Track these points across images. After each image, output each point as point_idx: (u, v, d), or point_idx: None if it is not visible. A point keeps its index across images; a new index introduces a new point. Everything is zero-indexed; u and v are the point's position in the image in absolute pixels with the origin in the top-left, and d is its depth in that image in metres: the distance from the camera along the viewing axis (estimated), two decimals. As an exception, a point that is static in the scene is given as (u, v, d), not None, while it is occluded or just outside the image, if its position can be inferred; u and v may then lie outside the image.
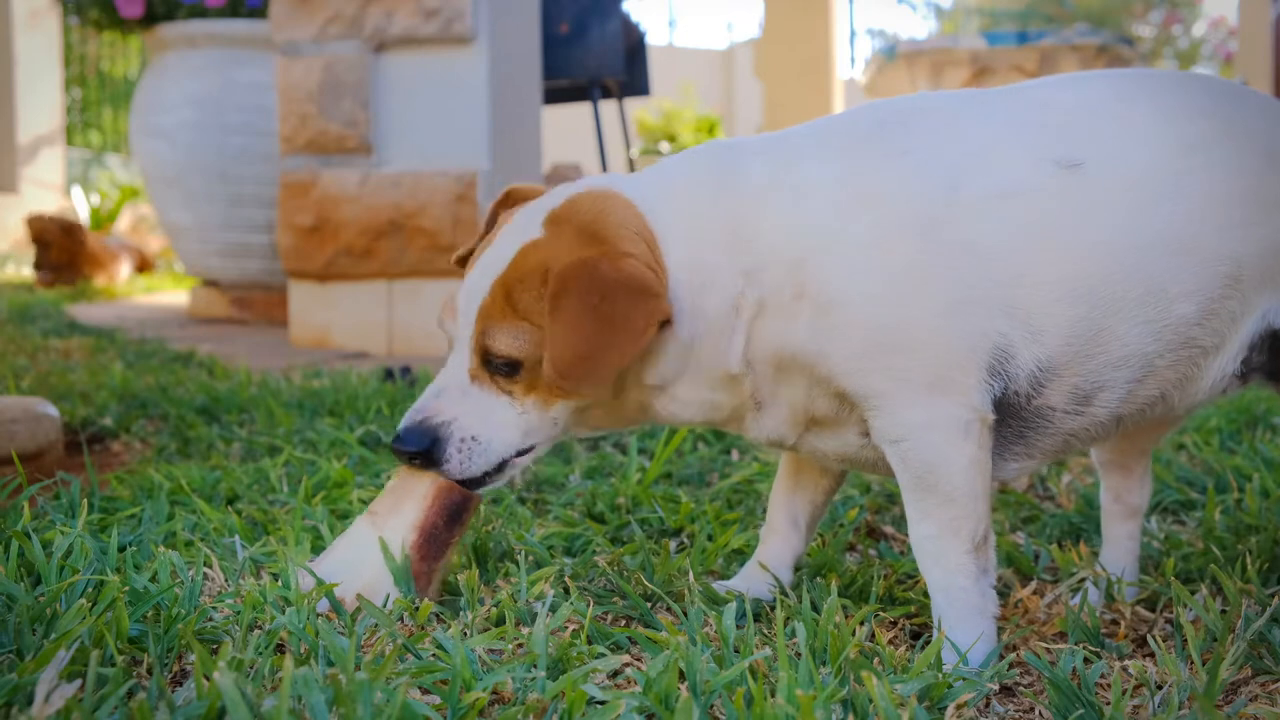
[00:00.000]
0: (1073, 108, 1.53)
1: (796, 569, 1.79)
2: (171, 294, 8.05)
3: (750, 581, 1.75)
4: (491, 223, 1.64)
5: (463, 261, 1.67)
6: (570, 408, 1.54)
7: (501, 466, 1.57)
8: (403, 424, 1.55)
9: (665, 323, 1.44)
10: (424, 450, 1.53)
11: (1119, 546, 1.83)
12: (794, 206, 1.48)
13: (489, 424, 1.53)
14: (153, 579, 1.59)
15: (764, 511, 2.03)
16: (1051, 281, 1.45)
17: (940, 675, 1.32)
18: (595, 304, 1.38)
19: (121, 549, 1.77)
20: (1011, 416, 1.51)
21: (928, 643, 1.51)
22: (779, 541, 1.77)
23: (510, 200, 1.64)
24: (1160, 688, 1.36)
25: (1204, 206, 1.48)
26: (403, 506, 1.60)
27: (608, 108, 6.69)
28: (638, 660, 1.44)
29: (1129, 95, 1.55)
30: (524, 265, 1.47)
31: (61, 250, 7.99)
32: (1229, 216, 1.48)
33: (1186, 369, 1.52)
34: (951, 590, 1.50)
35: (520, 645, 1.43)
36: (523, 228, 1.53)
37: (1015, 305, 1.45)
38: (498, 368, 1.51)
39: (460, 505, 1.60)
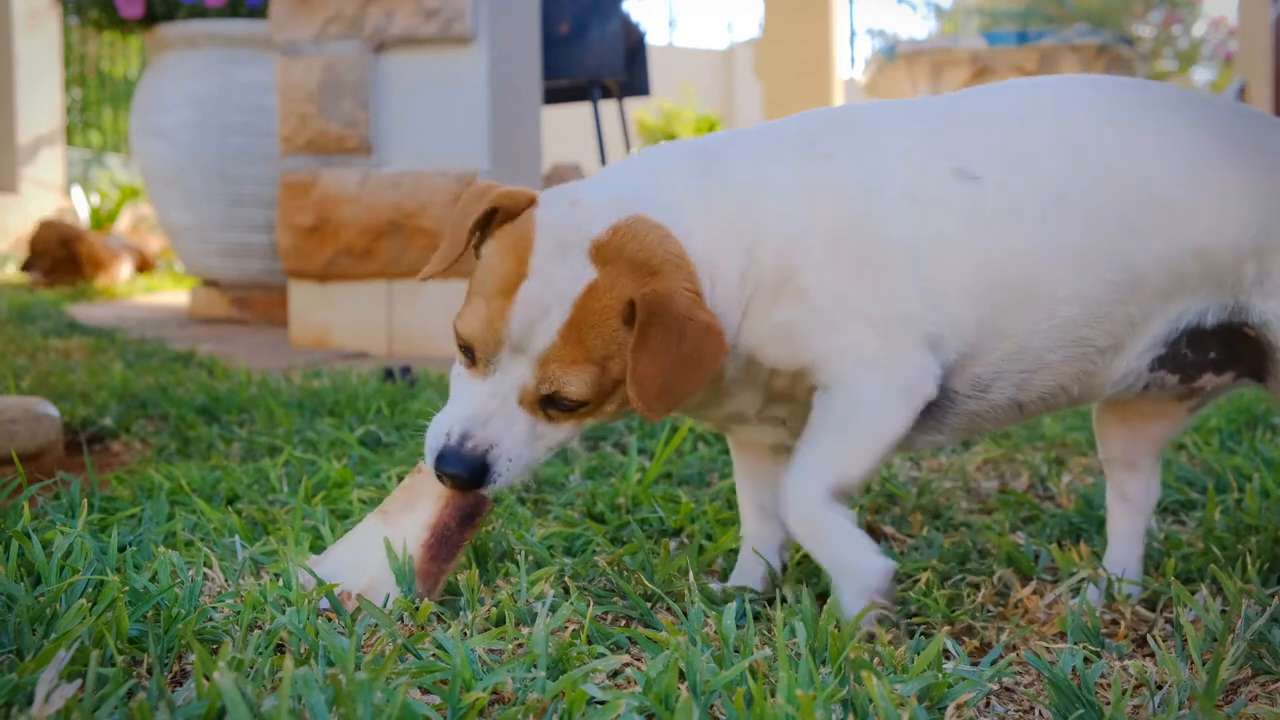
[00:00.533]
0: (981, 121, 1.63)
1: (785, 566, 1.83)
2: (171, 294, 8.06)
3: (745, 576, 1.79)
4: (472, 234, 1.56)
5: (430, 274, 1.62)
6: (595, 422, 1.59)
7: None
8: (448, 442, 1.52)
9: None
10: (477, 475, 1.53)
11: (1123, 545, 1.83)
12: (780, 206, 1.57)
13: (530, 446, 1.54)
14: (153, 579, 1.59)
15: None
16: (958, 283, 1.55)
17: (940, 675, 1.32)
18: (676, 343, 1.45)
19: (121, 549, 1.77)
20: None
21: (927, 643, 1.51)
22: (754, 529, 1.85)
23: (501, 215, 1.56)
24: (1160, 688, 1.36)
25: (1090, 218, 1.56)
26: (416, 505, 1.61)
27: (608, 108, 6.70)
28: (638, 660, 1.44)
29: (1035, 108, 1.63)
30: (593, 308, 1.48)
31: (55, 260, 8.01)
32: (1121, 226, 1.56)
33: (1082, 365, 1.61)
34: (813, 531, 1.58)
35: (520, 645, 1.43)
36: (570, 257, 1.50)
37: (936, 301, 1.55)
38: (559, 406, 1.52)
39: (474, 508, 1.60)
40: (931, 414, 1.62)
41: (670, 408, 1.48)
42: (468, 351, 1.53)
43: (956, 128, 1.62)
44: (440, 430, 1.54)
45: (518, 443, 1.53)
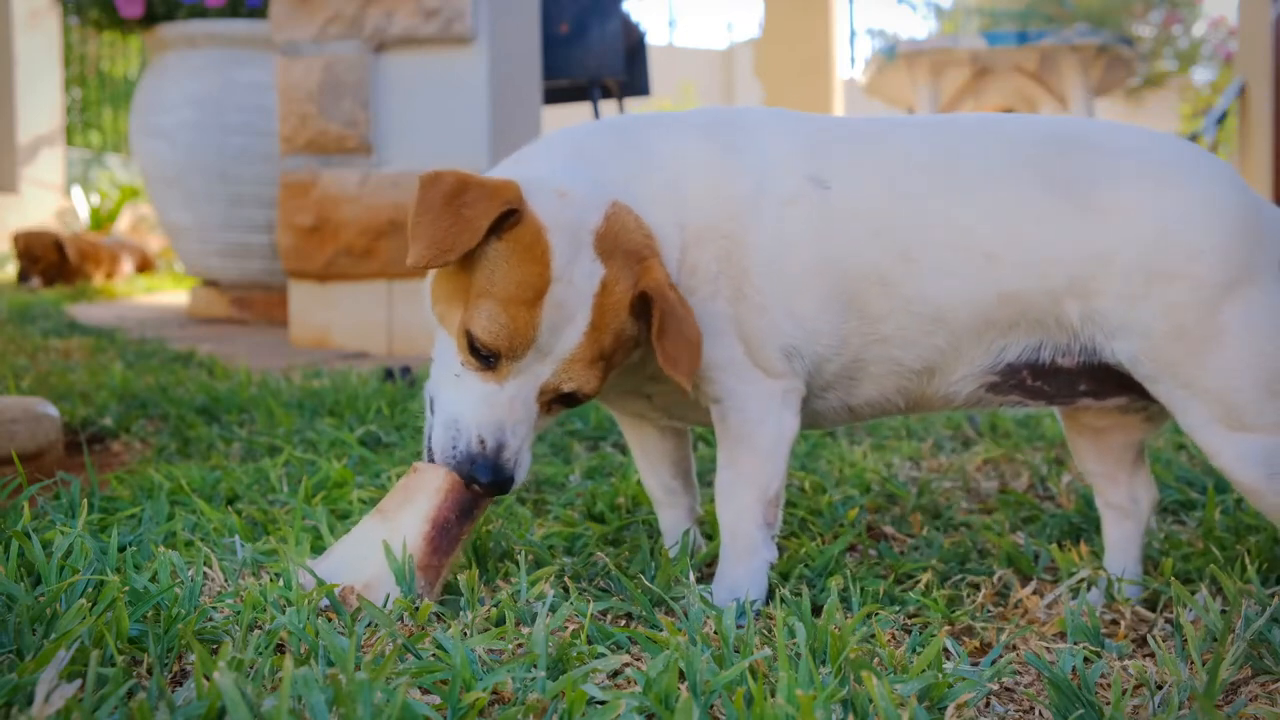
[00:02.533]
0: (839, 137, 1.69)
1: (701, 521, 2.01)
2: (171, 294, 8.06)
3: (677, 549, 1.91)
4: (487, 229, 1.51)
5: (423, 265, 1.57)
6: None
7: None
8: (483, 450, 1.54)
9: None
10: (501, 478, 1.55)
11: (1118, 552, 1.84)
12: (697, 195, 1.65)
13: (530, 442, 1.59)
14: (153, 579, 1.59)
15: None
16: (815, 289, 1.63)
17: (940, 675, 1.32)
18: (682, 328, 1.54)
19: (121, 549, 1.77)
20: None
21: (927, 641, 1.51)
22: (669, 511, 1.94)
23: (515, 217, 1.53)
24: (1160, 688, 1.36)
25: (901, 251, 1.62)
26: (414, 500, 1.60)
27: (608, 108, 6.70)
28: (638, 660, 1.43)
29: (877, 137, 1.69)
30: (608, 304, 1.54)
31: (49, 264, 8.01)
32: (930, 262, 1.61)
33: (900, 382, 1.69)
34: (737, 530, 1.68)
35: (520, 645, 1.43)
36: (582, 256, 1.53)
37: (795, 312, 1.63)
38: (571, 402, 1.58)
39: (473, 502, 1.61)
40: None
41: (692, 381, 1.55)
42: (485, 356, 1.53)
43: (820, 139, 1.69)
44: (469, 435, 1.55)
45: (527, 443, 1.57)
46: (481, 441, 1.54)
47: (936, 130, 1.71)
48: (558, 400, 1.58)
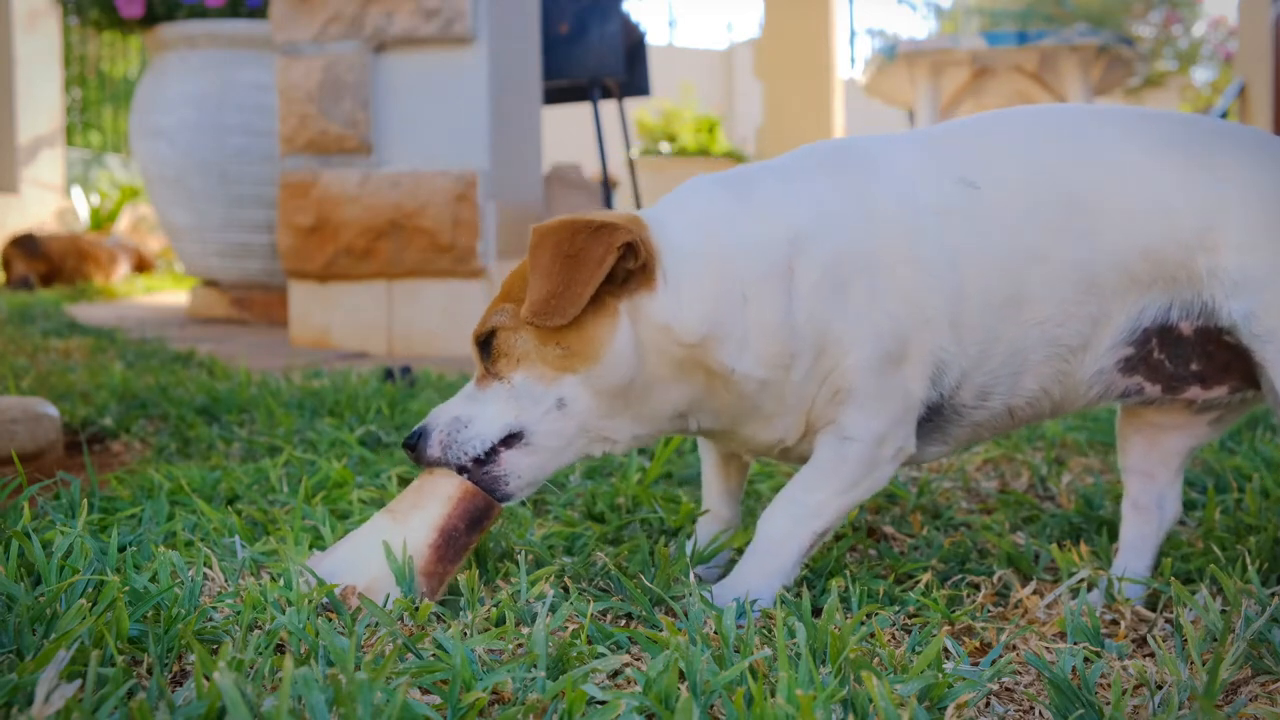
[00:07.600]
0: (957, 138, 1.73)
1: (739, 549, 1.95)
2: (171, 294, 8.06)
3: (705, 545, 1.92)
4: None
5: None
6: (581, 388, 1.61)
7: (494, 455, 1.63)
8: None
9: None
10: (413, 443, 1.66)
11: (1130, 554, 1.83)
12: (826, 209, 1.65)
13: (477, 406, 1.65)
14: (153, 579, 1.59)
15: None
16: (976, 293, 1.64)
17: (940, 675, 1.32)
18: (567, 249, 1.57)
19: (121, 549, 1.77)
20: (934, 413, 1.71)
21: (927, 641, 1.51)
22: (715, 521, 1.94)
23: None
24: (1160, 688, 1.36)
25: (1052, 220, 1.65)
26: (425, 505, 1.61)
27: (608, 108, 6.69)
28: (638, 660, 1.43)
29: (996, 126, 1.73)
30: (514, 273, 1.69)
31: (34, 264, 7.99)
32: (1076, 227, 1.65)
33: (1059, 365, 1.70)
34: (777, 550, 1.68)
35: (520, 645, 1.43)
36: None
37: (958, 320, 1.64)
38: (485, 351, 1.65)
39: (483, 512, 1.61)
40: (939, 427, 1.73)
41: (562, 312, 1.54)
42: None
43: (941, 145, 1.72)
44: None
45: (462, 406, 1.65)
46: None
47: (1041, 114, 1.76)
48: (485, 353, 1.65)
